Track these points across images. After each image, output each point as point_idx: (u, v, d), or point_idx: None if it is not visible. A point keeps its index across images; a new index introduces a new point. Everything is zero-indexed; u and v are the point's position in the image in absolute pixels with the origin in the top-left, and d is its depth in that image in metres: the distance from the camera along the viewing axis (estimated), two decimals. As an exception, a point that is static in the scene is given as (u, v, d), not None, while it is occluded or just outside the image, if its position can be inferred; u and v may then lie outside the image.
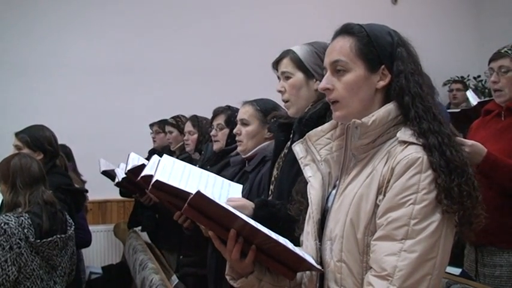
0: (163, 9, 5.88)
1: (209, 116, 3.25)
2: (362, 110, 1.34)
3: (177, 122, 4.32)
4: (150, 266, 3.13)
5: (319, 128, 1.47)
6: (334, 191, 1.40)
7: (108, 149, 4.94)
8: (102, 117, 5.54)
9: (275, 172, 2.05)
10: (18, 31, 5.42)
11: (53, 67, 5.47)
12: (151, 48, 5.78)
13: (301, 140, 1.49)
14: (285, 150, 2.02)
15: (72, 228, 2.78)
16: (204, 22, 5.96)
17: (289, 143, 2.00)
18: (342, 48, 1.37)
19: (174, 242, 3.72)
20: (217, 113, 3.02)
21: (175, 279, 3.28)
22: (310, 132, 1.48)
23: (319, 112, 1.82)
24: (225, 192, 1.91)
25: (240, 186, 2.02)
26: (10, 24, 5.41)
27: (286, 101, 1.98)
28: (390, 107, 1.33)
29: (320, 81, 1.90)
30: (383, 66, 1.35)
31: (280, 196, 1.93)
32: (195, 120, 3.77)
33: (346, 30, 1.39)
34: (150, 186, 1.76)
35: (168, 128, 4.40)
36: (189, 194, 1.73)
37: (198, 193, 1.26)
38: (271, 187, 2.06)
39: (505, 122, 2.46)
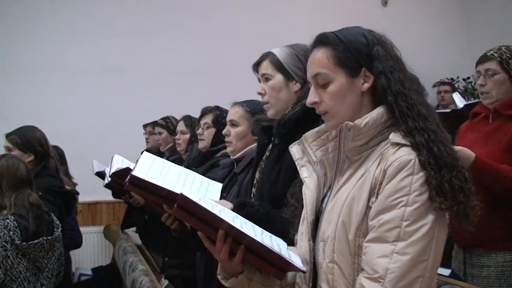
0: (155, 10, 5.87)
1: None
2: (352, 115, 1.34)
3: (167, 123, 4.30)
4: (140, 268, 3.12)
5: (315, 129, 1.47)
6: (329, 192, 1.40)
7: (100, 150, 4.90)
8: (94, 118, 5.52)
9: (257, 175, 2.05)
10: (10, 33, 5.40)
11: (44, 68, 5.45)
12: (144, 49, 5.75)
13: (298, 141, 1.49)
14: (267, 153, 2.03)
15: (59, 230, 2.76)
16: (198, 22, 5.95)
17: (270, 145, 2.01)
18: (320, 60, 1.37)
19: (161, 243, 3.71)
20: (205, 112, 3.02)
21: (165, 281, 3.27)
22: (307, 133, 1.48)
23: (298, 114, 1.83)
24: (203, 190, 1.91)
25: (219, 185, 2.02)
26: (1, 26, 5.37)
27: (266, 103, 1.98)
28: (382, 109, 1.33)
29: (299, 83, 1.93)
30: (363, 69, 1.35)
31: (261, 198, 1.93)
32: (189, 120, 3.76)
33: (320, 41, 1.40)
34: (127, 183, 1.76)
35: (157, 129, 4.38)
36: (165, 189, 1.74)
37: (182, 196, 1.27)
38: (253, 190, 2.06)
39: (493, 125, 2.47)
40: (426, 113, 1.32)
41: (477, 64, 2.50)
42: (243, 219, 1.39)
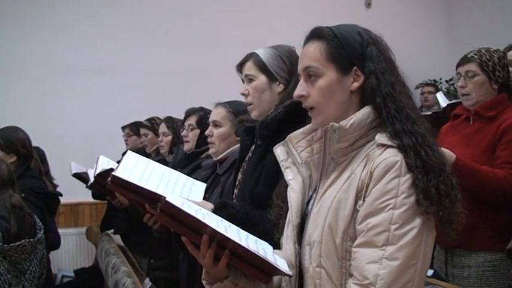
0: (139, 11, 5.85)
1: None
2: (340, 114, 1.32)
3: (152, 124, 4.28)
4: (122, 270, 3.11)
5: (300, 129, 1.45)
6: (314, 195, 1.37)
7: (80, 151, 4.89)
8: (76, 119, 5.48)
9: (239, 176, 2.05)
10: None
11: (25, 68, 5.40)
12: (126, 50, 5.72)
13: (283, 142, 1.47)
14: (249, 154, 2.02)
15: (42, 232, 2.73)
16: (180, 24, 5.94)
17: (253, 146, 2.01)
18: (312, 53, 1.35)
19: (146, 245, 3.69)
20: (189, 113, 3.01)
21: (148, 282, 3.26)
22: (291, 134, 1.45)
23: (280, 116, 1.83)
24: (187, 190, 1.89)
25: (203, 185, 2.00)
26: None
27: (249, 104, 1.98)
28: (369, 109, 1.30)
29: (283, 84, 1.92)
30: (355, 67, 1.33)
31: (243, 199, 1.93)
32: (170, 121, 3.73)
33: (315, 34, 1.38)
34: (109, 182, 1.74)
35: (143, 131, 4.35)
36: (146, 190, 1.72)
37: (165, 201, 1.25)
38: (235, 191, 2.06)
39: (473, 127, 2.49)
40: (415, 116, 1.30)
41: (457, 66, 2.52)
42: (227, 223, 1.37)
